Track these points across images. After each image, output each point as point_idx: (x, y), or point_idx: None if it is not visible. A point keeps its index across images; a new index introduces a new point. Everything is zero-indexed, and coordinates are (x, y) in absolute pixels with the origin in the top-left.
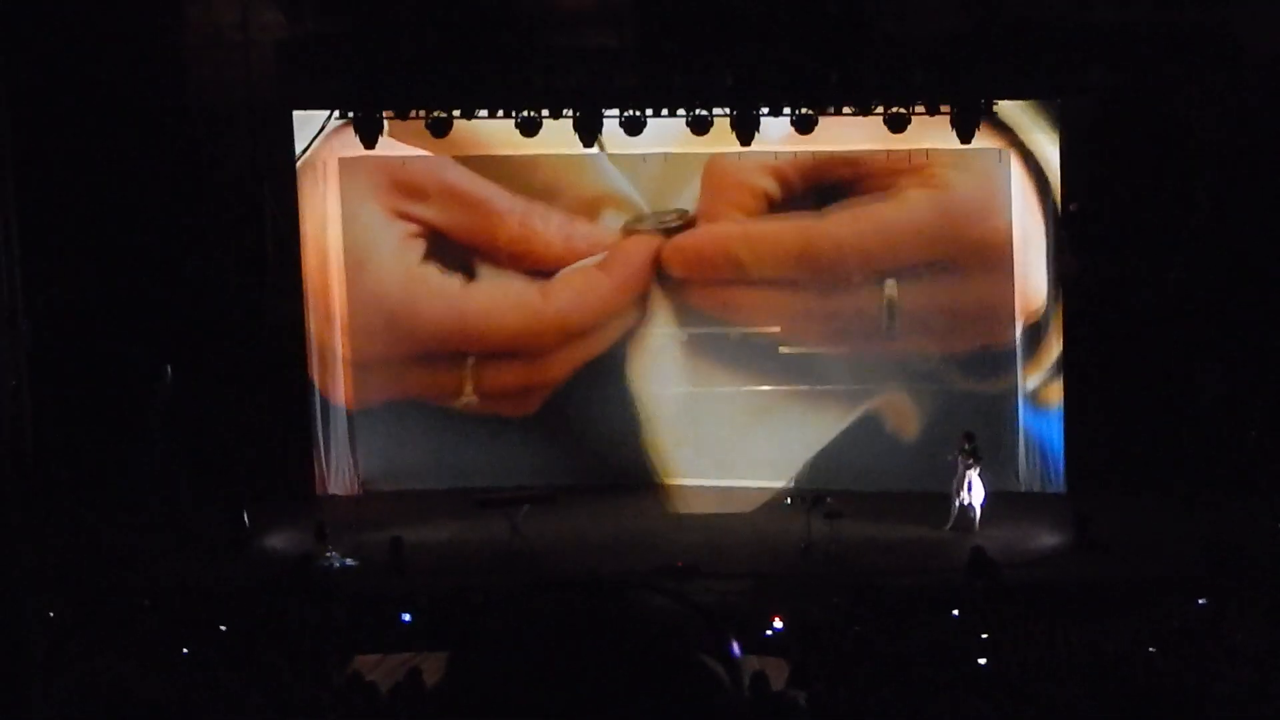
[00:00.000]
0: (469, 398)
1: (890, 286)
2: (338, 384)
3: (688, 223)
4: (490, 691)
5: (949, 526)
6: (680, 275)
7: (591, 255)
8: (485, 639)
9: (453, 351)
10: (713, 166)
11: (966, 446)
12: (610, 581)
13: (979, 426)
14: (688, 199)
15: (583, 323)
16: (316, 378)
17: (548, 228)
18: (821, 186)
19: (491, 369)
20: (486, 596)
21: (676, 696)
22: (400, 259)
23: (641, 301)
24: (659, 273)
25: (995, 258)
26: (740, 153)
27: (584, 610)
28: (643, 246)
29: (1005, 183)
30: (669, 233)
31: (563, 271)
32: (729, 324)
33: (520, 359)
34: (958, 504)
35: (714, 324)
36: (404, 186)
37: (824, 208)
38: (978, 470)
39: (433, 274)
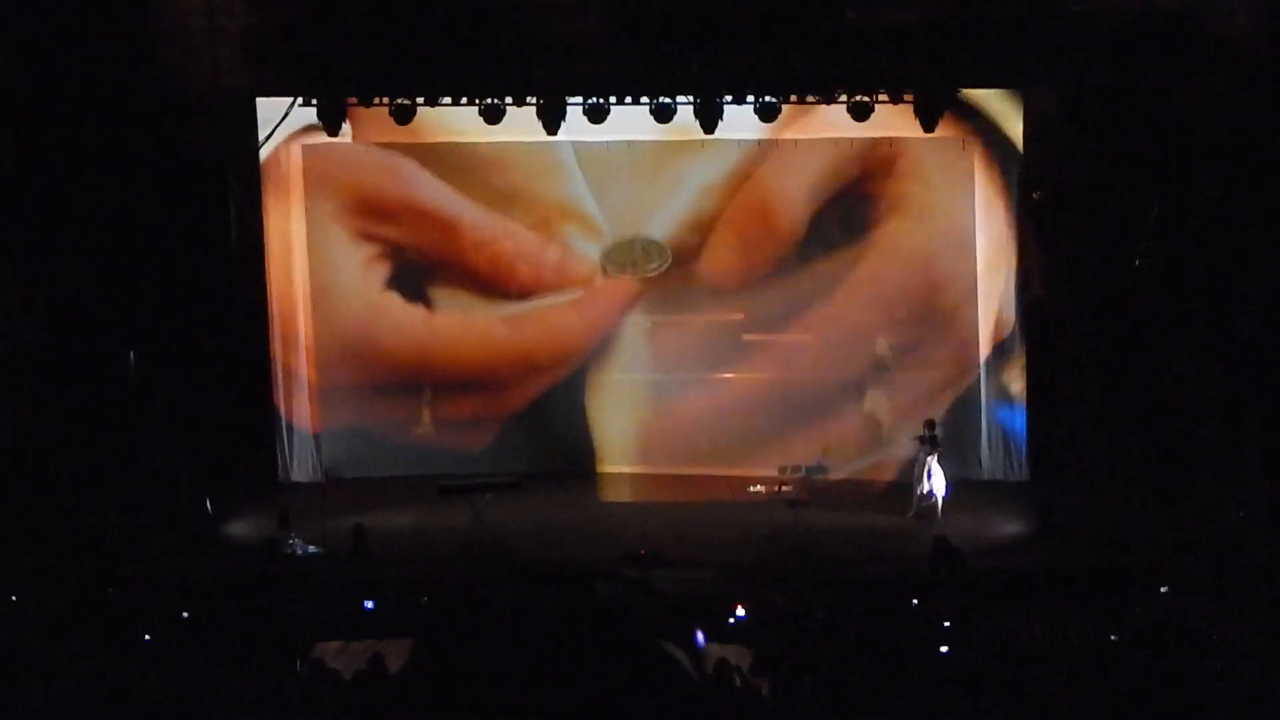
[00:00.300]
0: (426, 427)
1: (881, 344)
2: (302, 407)
3: (669, 267)
4: (454, 678)
5: (910, 514)
6: (658, 322)
7: (560, 283)
8: (449, 626)
9: (413, 382)
10: (702, 212)
11: (927, 434)
12: (574, 570)
13: (942, 414)
14: (659, 223)
15: (548, 359)
16: (281, 401)
17: (516, 247)
18: (809, 222)
19: (450, 400)
20: (450, 584)
21: (640, 684)
22: (363, 286)
23: (611, 334)
24: (634, 309)
25: (961, 248)
26: (721, 186)
27: (548, 598)
28: (620, 291)
29: (970, 172)
30: (647, 279)
31: (532, 304)
32: (696, 315)
33: (480, 391)
34: (919, 492)
35: (680, 313)
36: (368, 204)
37: (809, 259)
38: (937, 457)
39: (396, 303)
